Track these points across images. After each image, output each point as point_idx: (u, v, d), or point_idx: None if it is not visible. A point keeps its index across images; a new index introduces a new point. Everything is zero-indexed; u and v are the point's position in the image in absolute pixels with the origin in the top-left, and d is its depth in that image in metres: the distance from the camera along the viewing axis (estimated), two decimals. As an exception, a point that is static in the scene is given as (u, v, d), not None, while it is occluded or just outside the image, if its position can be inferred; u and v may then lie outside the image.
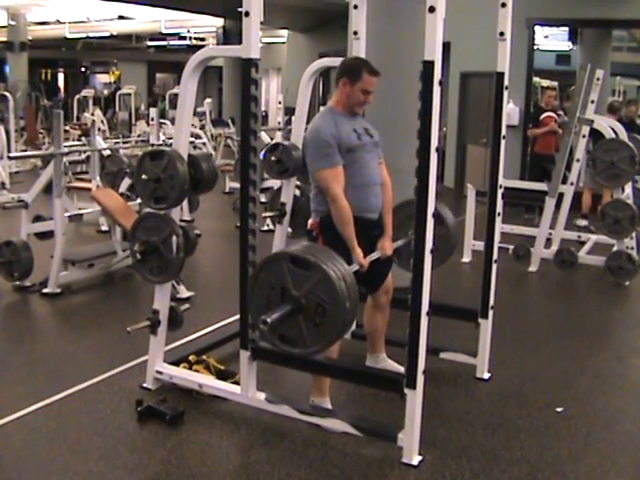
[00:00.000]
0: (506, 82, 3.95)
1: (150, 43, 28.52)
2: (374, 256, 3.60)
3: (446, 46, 2.97)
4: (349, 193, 3.48)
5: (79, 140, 12.73)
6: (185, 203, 8.10)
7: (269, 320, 2.83)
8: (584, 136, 6.83)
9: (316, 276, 2.87)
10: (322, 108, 3.64)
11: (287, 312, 2.89)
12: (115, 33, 25.61)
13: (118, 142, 14.14)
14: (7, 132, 11.50)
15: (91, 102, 18.97)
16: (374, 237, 3.68)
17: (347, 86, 3.53)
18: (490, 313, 4.18)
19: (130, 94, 19.49)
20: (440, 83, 2.93)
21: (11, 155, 8.38)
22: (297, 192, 4.86)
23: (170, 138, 9.05)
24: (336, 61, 4.80)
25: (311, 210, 3.71)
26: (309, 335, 2.94)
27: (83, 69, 32.53)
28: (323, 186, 3.48)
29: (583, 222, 8.78)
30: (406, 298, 3.15)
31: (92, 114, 15.72)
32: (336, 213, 3.45)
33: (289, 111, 9.87)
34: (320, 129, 3.50)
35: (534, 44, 10.68)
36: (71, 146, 10.28)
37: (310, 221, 3.70)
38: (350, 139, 3.52)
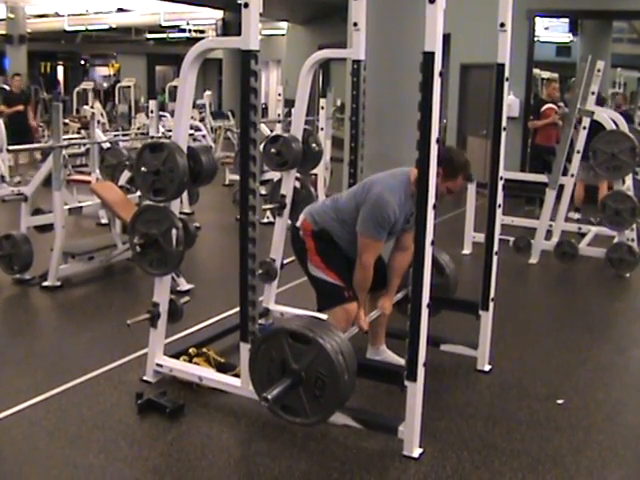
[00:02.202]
0: (506, 74, 3.93)
1: (149, 35, 28.42)
2: (373, 316, 3.84)
3: (446, 37, 2.96)
4: (346, 231, 3.70)
5: (78, 133, 12.73)
6: (185, 196, 8.09)
7: (270, 397, 2.93)
8: (584, 128, 6.82)
9: (314, 351, 2.98)
10: (400, 170, 3.67)
11: (287, 386, 2.99)
12: (114, 25, 25.51)
13: (118, 135, 14.09)
14: (6, 125, 11.48)
15: (90, 95, 18.91)
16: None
17: (439, 177, 3.37)
18: (491, 305, 4.18)
19: (129, 87, 19.45)
20: (440, 74, 2.92)
21: (10, 148, 8.35)
22: (297, 184, 4.85)
23: (169, 131, 9.03)
24: (336, 52, 4.81)
25: (310, 214, 3.79)
26: (310, 406, 3.03)
27: (82, 62, 32.44)
28: (360, 249, 3.64)
29: (576, 215, 8.80)
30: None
31: (91, 107, 15.65)
32: (361, 278, 3.67)
33: (289, 103, 9.83)
34: (389, 204, 3.54)
35: (534, 35, 10.64)
36: (70, 139, 10.28)
37: (302, 220, 3.83)
38: (397, 227, 3.65)
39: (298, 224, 3.86)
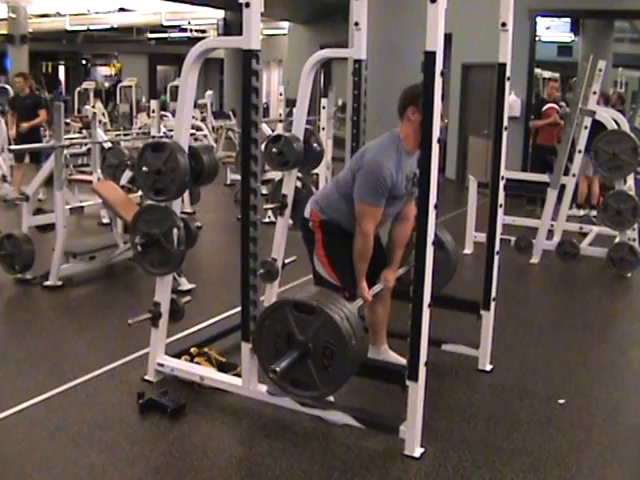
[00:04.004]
0: (508, 73, 3.93)
1: (151, 35, 28.46)
2: (377, 289, 3.74)
3: (448, 37, 2.95)
4: (350, 207, 3.60)
5: (80, 133, 12.71)
6: (186, 195, 8.10)
7: (278, 369, 2.91)
8: (586, 127, 6.81)
9: (320, 320, 2.95)
10: (389, 133, 3.63)
11: (295, 358, 2.96)
12: (116, 25, 25.55)
13: (119, 135, 14.13)
14: (8, 125, 11.48)
15: (92, 95, 18.93)
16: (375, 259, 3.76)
17: (417, 114, 3.38)
18: (492, 305, 4.17)
19: (131, 86, 19.46)
20: (442, 74, 2.92)
21: (12, 148, 8.35)
22: (298, 184, 4.85)
23: (171, 130, 9.03)
24: (337, 52, 4.81)
25: (316, 202, 3.76)
26: (320, 378, 3.01)
27: (84, 62, 32.46)
28: (359, 217, 3.56)
29: (581, 211, 8.82)
30: (408, 290, 3.15)
31: (93, 107, 15.67)
32: (361, 247, 3.57)
33: (290, 103, 9.84)
34: (381, 166, 3.47)
35: (536, 35, 10.64)
36: (72, 139, 10.27)
37: (308, 210, 3.79)
38: (400, 189, 3.57)
39: (306, 215, 3.82)
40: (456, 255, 4.37)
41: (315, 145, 4.85)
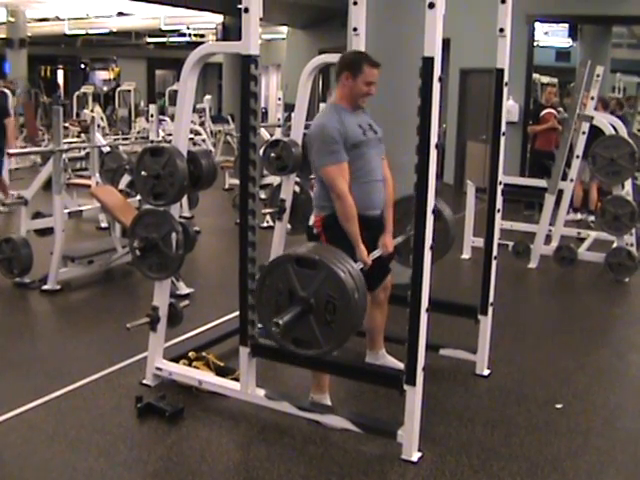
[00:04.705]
0: (506, 78, 3.94)
1: (149, 40, 28.48)
2: (376, 254, 3.62)
3: (446, 42, 2.96)
4: (353, 189, 3.48)
5: (79, 137, 12.72)
6: (185, 200, 8.11)
7: (281, 322, 2.85)
8: (584, 133, 6.83)
9: (322, 273, 2.90)
10: (323, 105, 3.64)
11: (298, 313, 2.91)
12: (115, 30, 25.56)
13: (118, 139, 14.11)
14: (6, 129, 11.47)
15: (90, 99, 18.94)
16: (376, 235, 3.70)
17: (349, 80, 3.53)
18: (490, 310, 4.18)
19: (130, 91, 19.46)
20: (440, 79, 2.93)
21: (11, 152, 8.35)
22: (297, 189, 4.86)
23: (169, 135, 9.04)
24: (336, 57, 4.81)
25: (314, 206, 3.72)
26: (322, 334, 2.96)
27: (83, 66, 32.46)
28: (328, 182, 3.48)
29: (578, 215, 8.83)
30: (405, 295, 3.15)
31: (92, 111, 15.67)
32: (341, 209, 3.46)
33: (289, 108, 9.83)
34: (325, 125, 3.50)
35: (534, 40, 10.66)
36: (71, 143, 10.27)
37: (312, 217, 3.71)
38: (355, 134, 3.52)
39: (310, 222, 3.76)
40: (454, 225, 4.32)
41: (313, 150, 4.85)
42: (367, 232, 3.54)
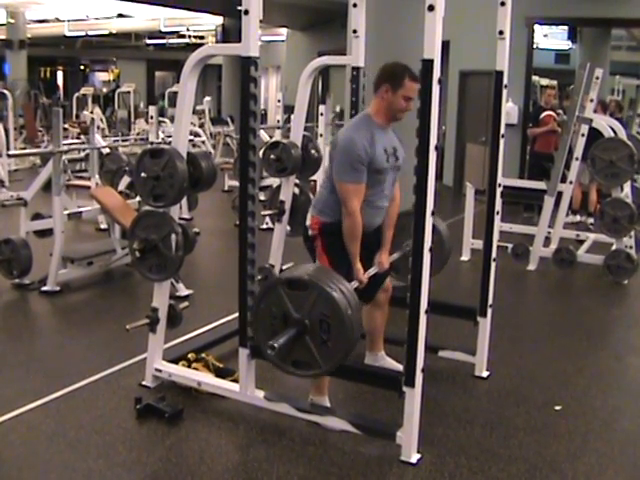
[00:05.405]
0: (505, 81, 3.95)
1: (149, 41, 28.49)
2: (372, 271, 3.66)
3: (445, 45, 2.97)
4: (362, 209, 3.50)
5: (78, 138, 12.71)
6: (184, 201, 8.11)
7: (276, 344, 2.86)
8: (583, 135, 6.84)
9: (314, 293, 2.92)
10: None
11: (293, 335, 2.93)
12: (114, 31, 25.57)
13: (117, 140, 14.12)
14: (6, 130, 11.48)
15: (90, 100, 18.94)
16: (372, 250, 3.72)
17: (389, 93, 3.46)
18: (489, 311, 4.18)
19: (129, 92, 19.47)
20: (439, 82, 2.93)
21: (10, 153, 8.35)
22: (296, 190, 4.87)
23: (169, 136, 9.04)
24: (335, 59, 4.83)
25: (313, 207, 3.71)
26: (320, 354, 2.97)
27: (82, 67, 32.48)
28: (342, 197, 3.47)
29: (577, 217, 8.84)
30: (404, 296, 3.16)
31: (91, 112, 15.68)
32: (349, 227, 3.48)
33: (288, 109, 9.86)
34: (355, 141, 3.43)
35: (533, 43, 10.67)
36: (70, 144, 10.27)
37: (309, 218, 3.70)
38: (380, 160, 3.49)
39: (307, 223, 3.74)
40: (449, 239, 4.33)
41: (313, 152, 4.88)
42: (363, 248, 3.56)
